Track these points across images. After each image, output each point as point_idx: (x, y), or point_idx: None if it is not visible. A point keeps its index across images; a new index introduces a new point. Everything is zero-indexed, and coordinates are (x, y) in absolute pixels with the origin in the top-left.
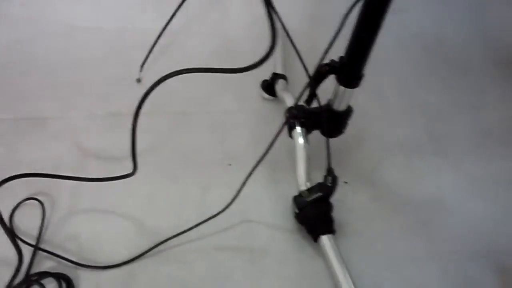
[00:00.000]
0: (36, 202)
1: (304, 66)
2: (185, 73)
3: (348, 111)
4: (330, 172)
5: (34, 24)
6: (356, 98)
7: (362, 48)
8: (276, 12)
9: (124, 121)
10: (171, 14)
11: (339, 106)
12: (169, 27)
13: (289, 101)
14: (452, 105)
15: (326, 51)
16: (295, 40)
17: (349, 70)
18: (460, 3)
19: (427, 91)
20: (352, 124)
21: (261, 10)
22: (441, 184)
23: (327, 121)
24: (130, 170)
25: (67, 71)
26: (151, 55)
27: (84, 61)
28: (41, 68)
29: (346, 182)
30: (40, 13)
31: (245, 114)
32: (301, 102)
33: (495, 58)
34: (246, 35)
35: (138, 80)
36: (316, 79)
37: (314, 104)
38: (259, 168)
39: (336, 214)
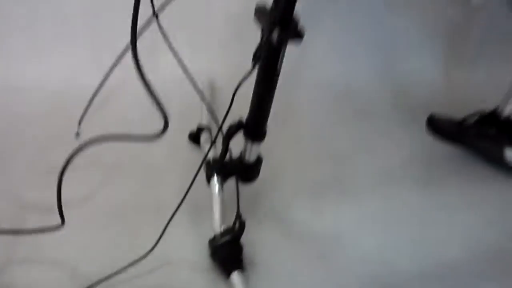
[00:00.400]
0: None
1: (217, 125)
2: (102, 141)
3: (258, 161)
4: (238, 217)
5: None
6: (274, 145)
7: (261, 109)
8: (154, 96)
9: None
10: (107, 69)
11: (249, 157)
12: (107, 82)
13: (209, 153)
14: (356, 149)
15: (223, 121)
16: (221, 93)
17: (253, 127)
18: (366, 57)
19: (335, 136)
20: (268, 168)
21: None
22: (342, 222)
23: (239, 171)
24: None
25: (8, 128)
26: (90, 110)
27: (25, 118)
28: None
29: (259, 222)
30: None
31: (173, 163)
32: (217, 155)
33: (396, 105)
34: (180, 88)
35: (77, 135)
36: (228, 135)
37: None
38: (184, 212)
39: (249, 251)
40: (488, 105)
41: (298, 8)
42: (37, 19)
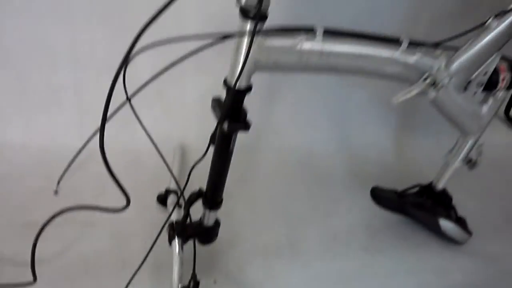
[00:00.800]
0: None
1: (182, 193)
2: (74, 210)
3: (216, 225)
4: (193, 277)
5: None
6: (234, 206)
7: (217, 183)
8: (115, 178)
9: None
10: (89, 133)
11: (208, 222)
12: (88, 144)
13: (173, 216)
14: (311, 212)
15: (181, 192)
16: (191, 157)
17: (210, 197)
18: (326, 125)
19: (293, 199)
20: (227, 228)
21: (166, 127)
22: (291, 283)
23: (199, 234)
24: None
25: None
26: (69, 169)
27: (8, 174)
28: None
29: (215, 282)
30: None
31: (142, 223)
32: (179, 218)
33: (350, 173)
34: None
35: (56, 192)
36: (188, 203)
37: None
38: (147, 270)
39: None
40: (433, 174)
41: (263, 82)
42: (27, 84)
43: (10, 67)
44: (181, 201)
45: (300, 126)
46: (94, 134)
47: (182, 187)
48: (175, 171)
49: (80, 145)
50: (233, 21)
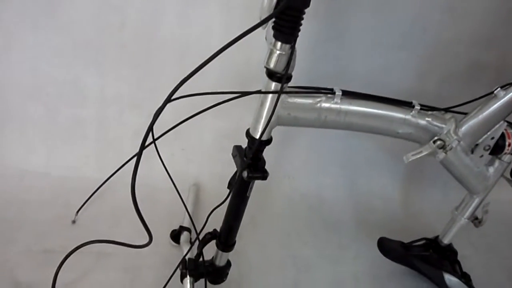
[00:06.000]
0: None
1: (196, 232)
2: (96, 243)
3: (227, 266)
4: None
5: None
6: (244, 247)
7: (231, 227)
8: (142, 219)
9: (56, 257)
10: (108, 167)
11: (220, 262)
12: (105, 176)
13: (185, 253)
14: (319, 258)
15: (198, 234)
16: (205, 196)
17: (224, 239)
18: (336, 173)
19: (302, 245)
20: (236, 270)
21: (182, 166)
22: None
23: (210, 273)
24: None
25: (13, 209)
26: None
27: (29, 201)
28: None
29: None
30: None
31: (155, 257)
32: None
33: (357, 220)
34: (170, 186)
35: (73, 222)
36: (202, 243)
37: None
38: None
39: None
40: (439, 227)
41: (277, 129)
42: (54, 117)
43: (41, 102)
44: (194, 238)
45: (311, 172)
46: (117, 170)
47: (195, 225)
48: (189, 209)
49: (98, 176)
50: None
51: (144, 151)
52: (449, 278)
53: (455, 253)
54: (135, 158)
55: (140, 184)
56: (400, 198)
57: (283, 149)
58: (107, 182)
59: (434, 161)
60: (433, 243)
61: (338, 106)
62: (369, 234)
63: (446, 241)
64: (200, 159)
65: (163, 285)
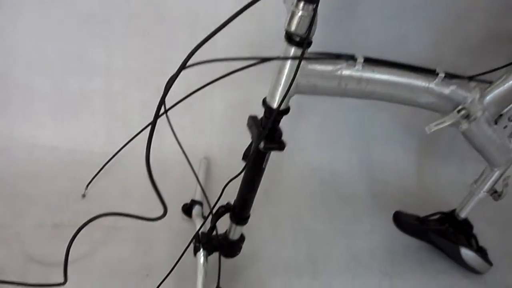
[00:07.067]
0: None
1: (209, 205)
2: (109, 215)
3: (241, 239)
4: None
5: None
6: (257, 221)
7: (246, 200)
8: (158, 191)
9: (67, 231)
10: (117, 140)
11: (233, 236)
12: (114, 150)
13: (198, 227)
14: (332, 231)
15: (213, 207)
16: (215, 170)
17: (238, 213)
18: (350, 146)
19: (315, 218)
20: (249, 244)
21: (192, 139)
22: None
23: (224, 247)
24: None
25: (23, 183)
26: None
27: (39, 175)
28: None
29: None
30: (6, 131)
31: (166, 231)
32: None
33: (372, 193)
34: (179, 160)
35: (83, 196)
36: (216, 216)
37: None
38: (170, 279)
39: None
40: (454, 201)
41: (290, 101)
42: (62, 90)
43: (48, 74)
44: (207, 213)
45: (324, 145)
46: (127, 143)
47: (207, 198)
48: (200, 184)
49: (107, 150)
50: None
51: (157, 129)
52: (465, 252)
53: (471, 227)
54: (144, 131)
55: (151, 158)
56: (414, 172)
57: (295, 121)
58: (116, 156)
59: (450, 133)
60: (449, 217)
61: (359, 73)
62: (383, 208)
63: (463, 215)
64: (211, 132)
65: (175, 259)
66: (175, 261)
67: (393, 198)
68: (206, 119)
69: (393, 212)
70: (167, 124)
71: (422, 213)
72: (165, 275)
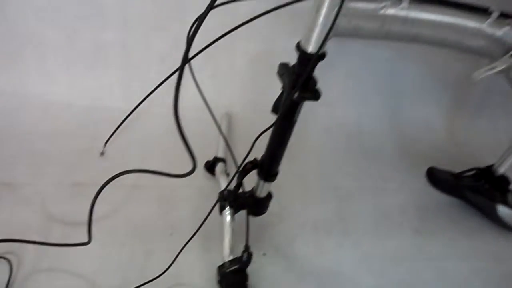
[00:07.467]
0: (4, 260)
1: (235, 162)
2: (133, 172)
3: (268, 197)
4: (246, 248)
5: (13, 97)
6: (283, 180)
7: (275, 154)
8: (187, 144)
9: (87, 190)
10: (134, 95)
11: (260, 193)
12: (132, 106)
13: (223, 184)
14: (360, 188)
15: (242, 163)
16: (238, 126)
17: (266, 169)
18: (377, 101)
19: (342, 175)
20: (276, 202)
21: (214, 99)
22: (341, 260)
23: (250, 205)
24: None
25: (40, 141)
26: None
27: (55, 133)
28: (17, 138)
29: (264, 254)
30: (20, 88)
31: (189, 189)
32: (232, 187)
33: (401, 150)
34: (199, 116)
35: (102, 154)
36: (243, 173)
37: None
38: (195, 238)
39: (253, 281)
40: (487, 157)
41: None
42: (75, 42)
43: (61, 26)
44: (231, 170)
45: (350, 100)
46: (145, 98)
47: (233, 154)
48: (223, 140)
49: (124, 106)
50: None
51: (169, 80)
52: (502, 209)
53: (508, 183)
54: (163, 84)
55: (168, 114)
56: (445, 128)
57: (319, 75)
58: (134, 112)
59: (481, 88)
60: (485, 173)
61: (405, 12)
62: (413, 165)
63: (501, 170)
64: (232, 86)
65: (198, 217)
66: (199, 220)
67: (422, 155)
68: (227, 72)
69: (423, 169)
70: (184, 78)
71: (453, 170)
72: (190, 234)
